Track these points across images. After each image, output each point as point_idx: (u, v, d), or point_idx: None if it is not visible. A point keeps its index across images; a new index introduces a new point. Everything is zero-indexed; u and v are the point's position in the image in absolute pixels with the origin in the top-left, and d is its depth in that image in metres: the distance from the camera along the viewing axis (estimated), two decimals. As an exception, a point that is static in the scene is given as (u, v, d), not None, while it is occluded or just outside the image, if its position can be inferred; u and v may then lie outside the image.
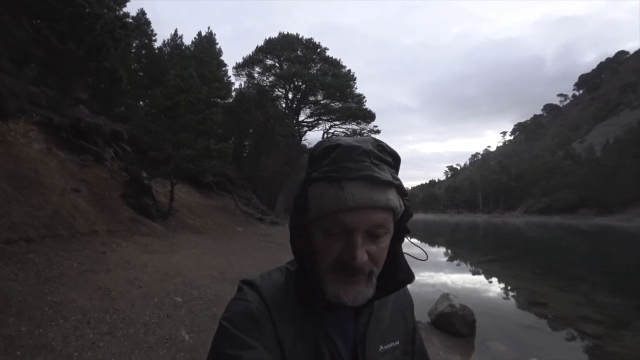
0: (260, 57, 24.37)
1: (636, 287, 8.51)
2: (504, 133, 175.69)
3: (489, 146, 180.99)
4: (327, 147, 0.58)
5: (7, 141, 8.79)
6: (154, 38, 21.89)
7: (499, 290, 8.17)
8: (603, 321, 5.65)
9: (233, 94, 25.20)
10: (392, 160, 0.60)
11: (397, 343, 0.67)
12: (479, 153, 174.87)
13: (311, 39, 24.24)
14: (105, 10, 7.47)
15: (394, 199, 0.56)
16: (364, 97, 23.12)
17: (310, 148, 0.57)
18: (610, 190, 64.82)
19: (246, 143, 26.50)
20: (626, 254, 16.80)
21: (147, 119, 9.50)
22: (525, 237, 27.07)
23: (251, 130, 25.26)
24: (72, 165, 10.16)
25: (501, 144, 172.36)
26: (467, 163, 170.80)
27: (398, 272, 0.62)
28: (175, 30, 23.81)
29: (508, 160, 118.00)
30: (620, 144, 79.78)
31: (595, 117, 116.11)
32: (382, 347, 0.64)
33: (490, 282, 9.06)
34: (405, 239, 0.64)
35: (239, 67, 24.91)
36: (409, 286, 0.72)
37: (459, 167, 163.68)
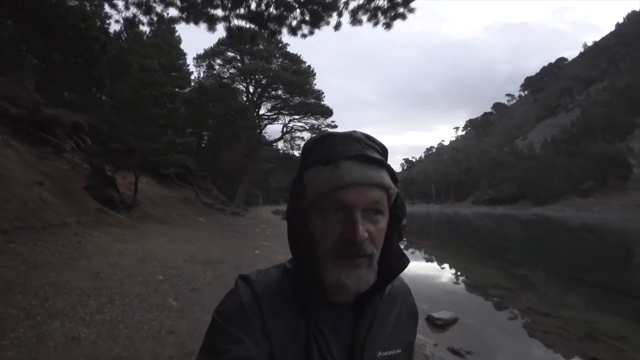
0: (222, 49, 24.38)
1: (546, 264, 10.41)
2: (457, 128, 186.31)
3: (442, 140, 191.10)
4: (319, 137, 0.62)
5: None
6: (107, 22, 21.12)
7: (435, 267, 9.63)
8: (509, 287, 7.26)
9: (192, 84, 25.00)
10: (381, 150, 0.62)
11: (399, 352, 0.65)
12: (433, 147, 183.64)
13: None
14: (97, 23, 7.91)
15: (386, 177, 0.58)
16: (323, 93, 24.14)
17: (304, 143, 0.70)
18: (545, 184, 71.68)
19: (205, 134, 26.48)
20: (551, 239, 19.88)
21: (112, 112, 9.68)
22: (472, 225, 29.92)
23: (210, 122, 25.34)
24: (32, 158, 10.11)
25: (454, 139, 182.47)
26: (423, 156, 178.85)
27: (392, 259, 0.61)
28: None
29: (459, 155, 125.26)
30: (556, 143, 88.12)
31: (537, 117, 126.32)
32: (381, 354, 0.62)
33: (430, 261, 10.55)
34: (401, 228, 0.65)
35: (199, 58, 24.76)
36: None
37: (414, 160, 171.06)
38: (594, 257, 12.53)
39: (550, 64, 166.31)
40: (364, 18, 5.61)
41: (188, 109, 19.71)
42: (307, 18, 5.59)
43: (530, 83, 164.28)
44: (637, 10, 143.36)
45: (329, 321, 0.59)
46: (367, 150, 0.58)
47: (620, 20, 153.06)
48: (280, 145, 27.07)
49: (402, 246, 0.65)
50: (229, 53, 24.73)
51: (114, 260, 5.24)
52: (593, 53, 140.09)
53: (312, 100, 23.02)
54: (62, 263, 4.79)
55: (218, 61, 24.97)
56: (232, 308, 0.57)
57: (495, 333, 4.82)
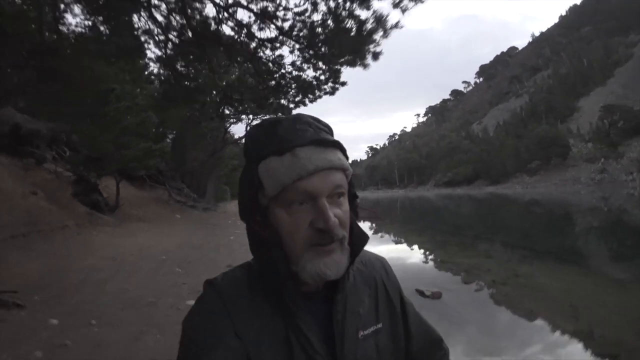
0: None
1: (492, 231, 12.85)
2: (418, 115, 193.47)
3: (405, 127, 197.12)
4: (268, 125, 0.58)
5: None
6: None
7: (405, 248, 10.90)
8: (453, 251, 8.89)
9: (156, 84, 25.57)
10: (329, 130, 0.61)
11: (380, 326, 0.64)
12: (396, 134, 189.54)
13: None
14: None
15: (344, 159, 0.58)
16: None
17: (248, 132, 0.63)
18: (497, 164, 77.65)
19: (169, 135, 27.22)
20: (500, 212, 23.77)
21: (92, 125, 10.82)
22: (435, 206, 33.02)
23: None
24: (18, 170, 11.12)
25: (415, 126, 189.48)
26: (386, 143, 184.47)
27: (354, 237, 0.61)
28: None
29: (420, 140, 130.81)
30: (507, 127, 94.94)
31: (490, 102, 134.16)
32: (362, 333, 0.61)
33: (398, 243, 12.11)
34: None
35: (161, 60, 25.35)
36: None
37: (378, 147, 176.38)
38: (540, 227, 15.01)
39: (502, 53, 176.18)
40: None
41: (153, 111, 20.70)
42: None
43: (484, 70, 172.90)
44: (578, 3, 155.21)
45: (306, 315, 0.57)
46: (321, 134, 0.57)
47: (563, 13, 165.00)
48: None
49: (363, 224, 0.63)
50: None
51: (120, 250, 6.82)
52: (539, 42, 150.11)
53: (272, 100, 24.46)
54: (83, 253, 6.34)
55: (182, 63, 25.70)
56: (200, 315, 0.56)
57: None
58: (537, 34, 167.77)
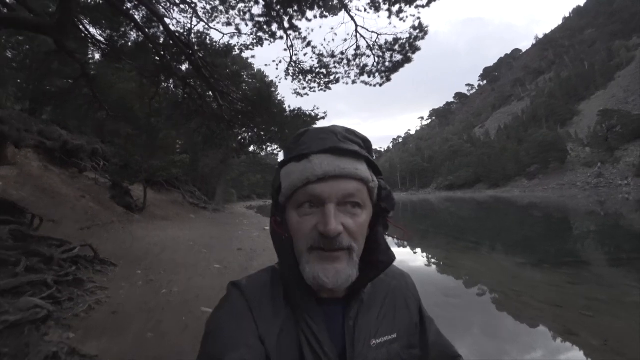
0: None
1: (486, 231, 14.96)
2: (422, 118, 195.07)
3: (409, 130, 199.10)
4: (298, 134, 0.63)
5: (19, 163, 12.29)
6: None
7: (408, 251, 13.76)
8: (456, 250, 11.17)
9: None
10: (363, 142, 0.63)
11: (394, 336, 0.65)
12: (400, 136, 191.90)
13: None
14: None
15: (363, 169, 0.59)
16: (284, 103, 28.12)
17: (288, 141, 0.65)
18: (497, 168, 79.28)
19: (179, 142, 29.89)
20: (498, 213, 25.34)
21: (127, 143, 13.31)
22: (435, 208, 34.83)
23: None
24: (66, 178, 13.67)
25: (419, 129, 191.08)
26: (390, 146, 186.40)
27: (378, 255, 0.61)
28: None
29: (423, 143, 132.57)
30: (507, 130, 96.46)
31: (493, 105, 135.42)
32: (374, 341, 0.62)
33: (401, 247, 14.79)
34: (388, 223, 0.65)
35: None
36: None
37: (382, 150, 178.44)
38: (539, 231, 15.00)
39: (506, 55, 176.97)
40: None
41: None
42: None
43: (488, 73, 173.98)
44: (582, 5, 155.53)
45: (319, 318, 0.59)
46: (343, 143, 0.58)
47: (567, 15, 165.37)
48: (251, 149, 30.90)
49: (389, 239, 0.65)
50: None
51: (157, 239, 9.25)
52: (543, 45, 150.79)
53: (275, 110, 26.95)
54: (133, 241, 8.78)
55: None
56: (225, 315, 0.58)
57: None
58: (541, 36, 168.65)
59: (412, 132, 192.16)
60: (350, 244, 0.58)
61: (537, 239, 12.58)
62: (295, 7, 5.99)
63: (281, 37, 6.74)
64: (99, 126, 15.24)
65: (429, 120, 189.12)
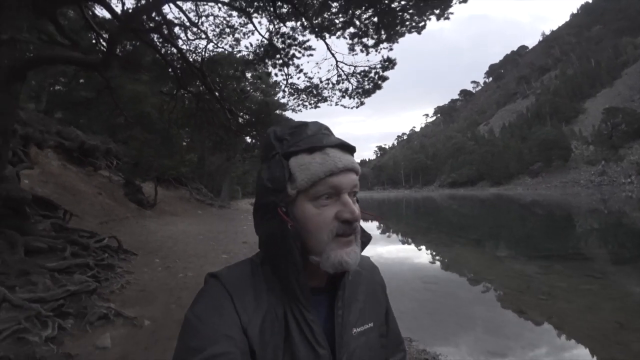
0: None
1: (486, 228, 15.70)
2: (427, 115, 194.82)
3: (414, 127, 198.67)
4: (294, 127, 0.65)
5: (40, 163, 13.24)
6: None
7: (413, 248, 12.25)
8: (448, 243, 11.76)
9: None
10: None
11: (371, 325, 0.69)
12: (405, 133, 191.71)
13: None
14: None
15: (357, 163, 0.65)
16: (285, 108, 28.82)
17: (270, 132, 0.66)
18: (500, 166, 79.49)
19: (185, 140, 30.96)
20: (501, 211, 25.86)
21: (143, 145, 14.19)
22: (438, 206, 35.29)
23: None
24: (83, 176, 14.62)
25: (424, 126, 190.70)
26: (395, 143, 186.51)
27: (360, 235, 0.65)
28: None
29: (427, 141, 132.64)
30: (512, 128, 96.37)
31: (498, 102, 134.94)
32: (355, 330, 0.65)
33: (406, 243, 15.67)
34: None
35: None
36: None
37: (387, 147, 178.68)
38: (537, 228, 15.52)
39: (512, 52, 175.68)
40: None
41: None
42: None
43: (493, 70, 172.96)
44: (590, 1, 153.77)
45: (312, 307, 0.62)
46: (342, 140, 0.64)
47: (574, 11, 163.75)
48: (256, 152, 31.79)
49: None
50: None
51: (169, 232, 10.16)
52: (549, 42, 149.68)
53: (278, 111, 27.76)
54: (148, 234, 9.68)
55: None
56: (205, 307, 0.58)
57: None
58: (547, 32, 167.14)
59: (417, 129, 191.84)
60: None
61: (531, 235, 13.30)
62: (281, 56, 7.14)
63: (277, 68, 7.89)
64: (116, 130, 16.22)
65: (434, 118, 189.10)
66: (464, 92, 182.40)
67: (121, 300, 4.25)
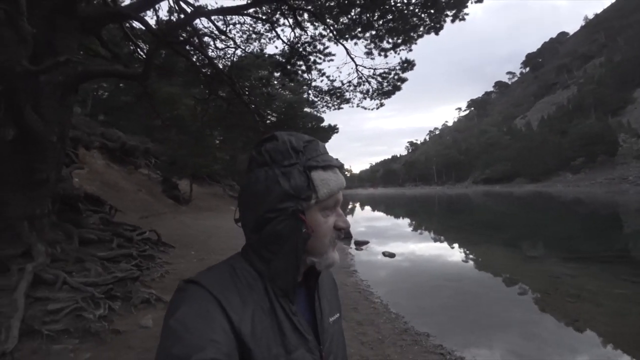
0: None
1: (520, 228, 15.41)
2: (459, 109, 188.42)
3: (446, 121, 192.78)
4: (307, 140, 0.71)
5: (87, 162, 14.30)
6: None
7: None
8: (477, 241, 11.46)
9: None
10: None
11: (339, 315, 0.80)
12: (437, 128, 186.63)
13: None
14: None
15: None
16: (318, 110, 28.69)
17: (286, 140, 0.68)
18: (537, 162, 75.63)
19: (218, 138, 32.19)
20: (537, 209, 24.64)
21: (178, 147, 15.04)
22: (471, 204, 34.20)
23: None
24: (124, 174, 15.71)
25: (456, 120, 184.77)
26: (427, 138, 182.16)
27: None
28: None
29: (460, 135, 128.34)
30: (551, 121, 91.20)
31: (535, 94, 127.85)
32: (330, 319, 0.75)
33: (439, 241, 15.71)
34: None
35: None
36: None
37: (418, 142, 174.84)
38: (583, 228, 14.55)
39: (551, 39, 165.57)
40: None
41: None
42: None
43: (530, 60, 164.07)
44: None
45: (296, 300, 0.68)
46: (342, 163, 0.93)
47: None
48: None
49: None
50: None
51: (204, 228, 10.76)
52: (593, 27, 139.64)
53: (308, 110, 27.93)
54: (187, 227, 10.33)
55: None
56: (189, 313, 0.57)
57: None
58: (590, 16, 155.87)
59: (449, 124, 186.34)
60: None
61: (571, 236, 12.41)
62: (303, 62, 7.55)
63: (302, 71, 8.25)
64: (153, 131, 17.23)
65: (467, 111, 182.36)
66: (498, 84, 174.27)
67: (161, 287, 4.70)
